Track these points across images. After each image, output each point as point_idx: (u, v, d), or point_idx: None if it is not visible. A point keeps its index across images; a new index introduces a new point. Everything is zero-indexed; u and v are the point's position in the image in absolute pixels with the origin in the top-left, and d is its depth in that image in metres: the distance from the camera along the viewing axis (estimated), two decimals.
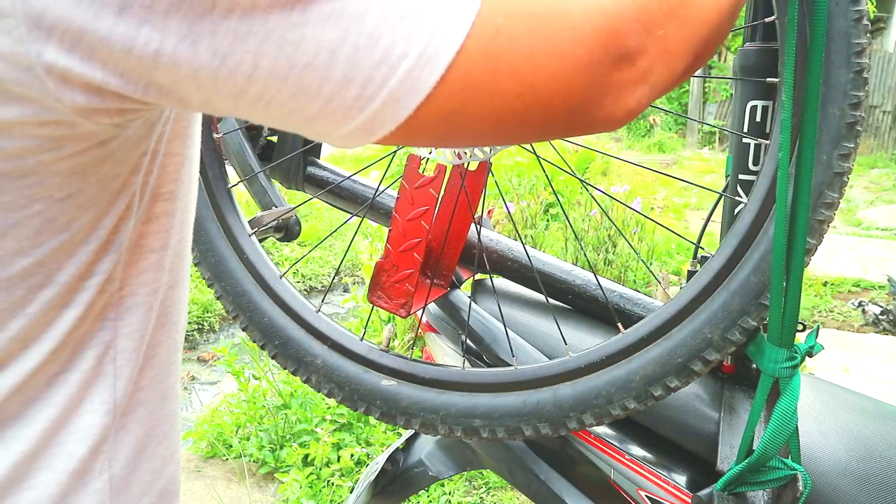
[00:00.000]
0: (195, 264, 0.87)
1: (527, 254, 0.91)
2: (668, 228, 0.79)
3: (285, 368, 0.84)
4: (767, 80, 0.65)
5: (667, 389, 0.68)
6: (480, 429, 0.75)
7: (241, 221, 0.87)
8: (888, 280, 4.04)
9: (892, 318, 3.82)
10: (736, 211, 0.80)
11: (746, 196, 0.73)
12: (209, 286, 0.87)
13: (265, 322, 0.84)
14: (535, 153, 0.80)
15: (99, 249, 0.46)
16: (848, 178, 0.63)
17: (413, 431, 1.08)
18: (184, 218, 0.54)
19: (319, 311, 0.84)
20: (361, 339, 0.82)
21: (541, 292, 0.93)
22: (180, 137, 0.51)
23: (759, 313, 0.64)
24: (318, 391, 0.82)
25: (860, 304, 4.06)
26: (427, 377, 0.78)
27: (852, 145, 0.61)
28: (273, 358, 0.84)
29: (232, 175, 0.93)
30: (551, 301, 0.93)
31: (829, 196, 0.62)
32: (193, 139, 0.54)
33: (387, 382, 0.79)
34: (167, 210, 0.51)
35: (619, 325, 0.73)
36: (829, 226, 0.64)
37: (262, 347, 0.85)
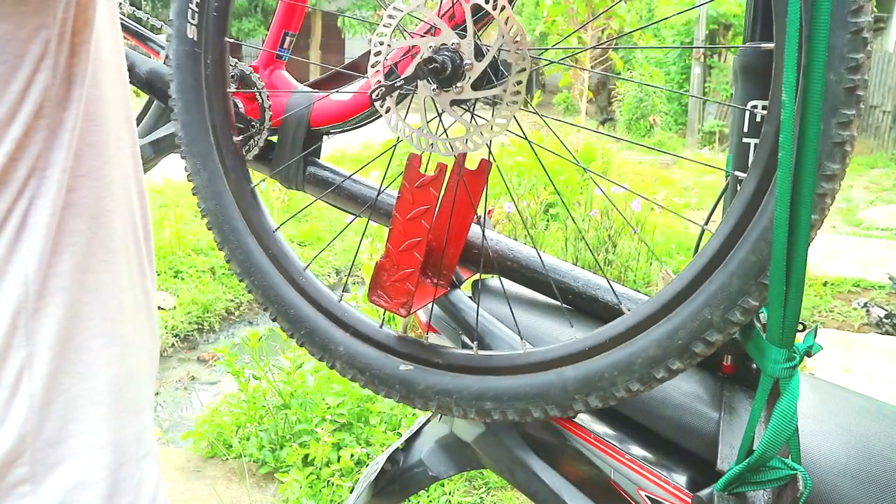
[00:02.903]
0: (226, 261, 0.92)
1: (539, 255, 0.91)
2: (672, 211, 0.79)
3: (312, 355, 0.88)
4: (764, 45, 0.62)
5: (669, 371, 0.68)
6: (492, 411, 0.77)
7: (267, 219, 0.91)
8: (889, 278, 4.03)
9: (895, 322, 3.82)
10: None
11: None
12: (240, 281, 0.92)
13: (292, 313, 0.88)
14: (534, 152, 0.80)
15: (10, 112, 0.52)
16: (851, 149, 0.59)
17: (413, 431, 1.08)
18: (92, 110, 0.59)
19: (341, 300, 0.87)
20: (381, 327, 0.84)
21: (541, 292, 0.93)
22: (87, 29, 0.56)
23: (759, 293, 0.63)
24: (343, 376, 0.86)
25: (865, 305, 4.06)
26: (442, 361, 0.80)
27: (853, 112, 0.57)
28: (301, 346, 0.89)
29: (254, 175, 0.97)
30: (551, 300, 0.93)
31: (829, 168, 0.58)
32: (99, 34, 0.59)
33: (404, 367, 0.81)
34: (78, 95, 0.57)
35: (623, 307, 0.73)
36: (831, 200, 0.60)
37: (291, 336, 0.89)
